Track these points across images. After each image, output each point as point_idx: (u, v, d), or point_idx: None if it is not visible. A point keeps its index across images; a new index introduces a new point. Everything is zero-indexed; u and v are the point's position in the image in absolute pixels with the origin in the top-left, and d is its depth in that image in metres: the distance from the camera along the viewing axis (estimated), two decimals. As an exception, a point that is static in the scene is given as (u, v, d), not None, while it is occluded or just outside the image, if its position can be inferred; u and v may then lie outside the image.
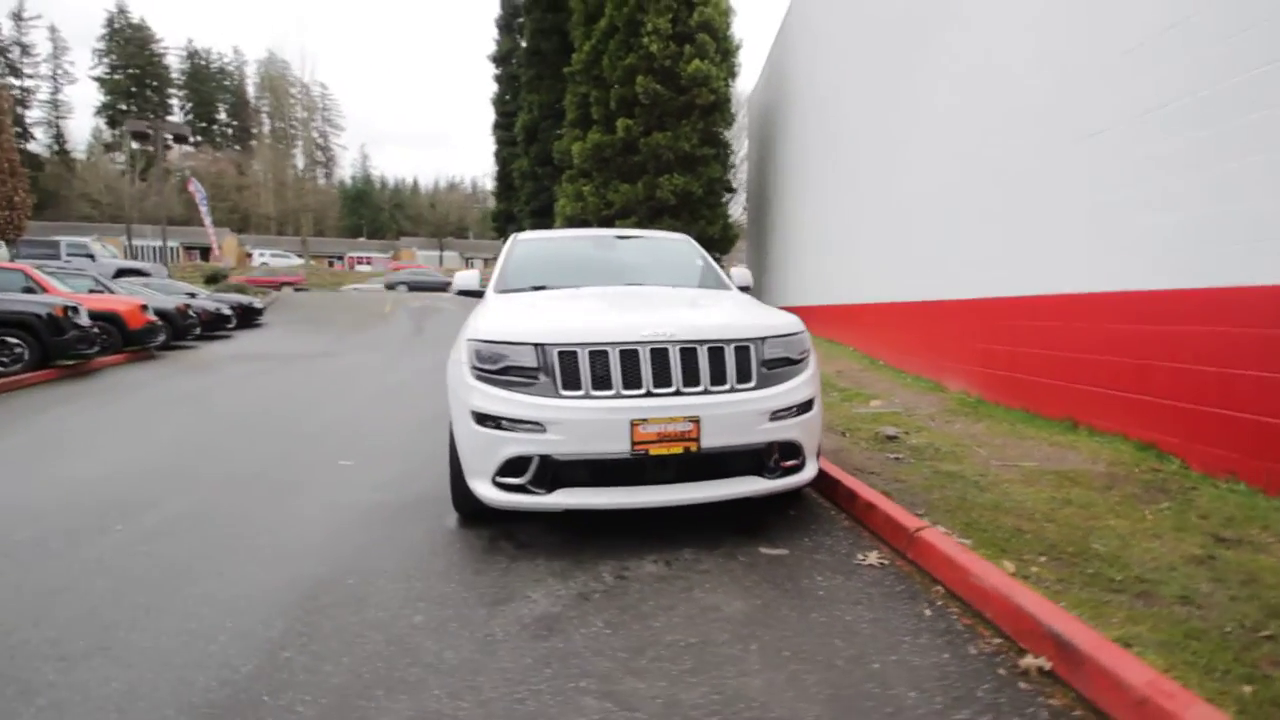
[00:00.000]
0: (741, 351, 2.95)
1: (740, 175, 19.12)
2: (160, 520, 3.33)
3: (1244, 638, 1.98)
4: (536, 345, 2.84)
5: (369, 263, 53.71)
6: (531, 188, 18.46)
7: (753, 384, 2.93)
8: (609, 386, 2.78)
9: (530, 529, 3.16)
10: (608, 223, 14.67)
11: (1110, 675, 1.72)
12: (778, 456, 2.98)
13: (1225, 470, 3.22)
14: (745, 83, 15.93)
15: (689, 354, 2.86)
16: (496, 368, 2.89)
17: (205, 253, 34.47)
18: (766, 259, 15.43)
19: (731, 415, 2.82)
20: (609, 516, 3.13)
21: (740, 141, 19.52)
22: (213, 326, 14.55)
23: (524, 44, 22.88)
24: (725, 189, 15.39)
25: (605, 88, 14.59)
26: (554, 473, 2.77)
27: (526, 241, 4.60)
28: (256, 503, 3.63)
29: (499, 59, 22.75)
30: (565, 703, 1.82)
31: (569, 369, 2.79)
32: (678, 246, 4.70)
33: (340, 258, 58.18)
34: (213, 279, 20.06)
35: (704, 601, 2.42)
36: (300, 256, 43.53)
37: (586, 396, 2.75)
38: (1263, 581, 2.33)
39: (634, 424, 2.71)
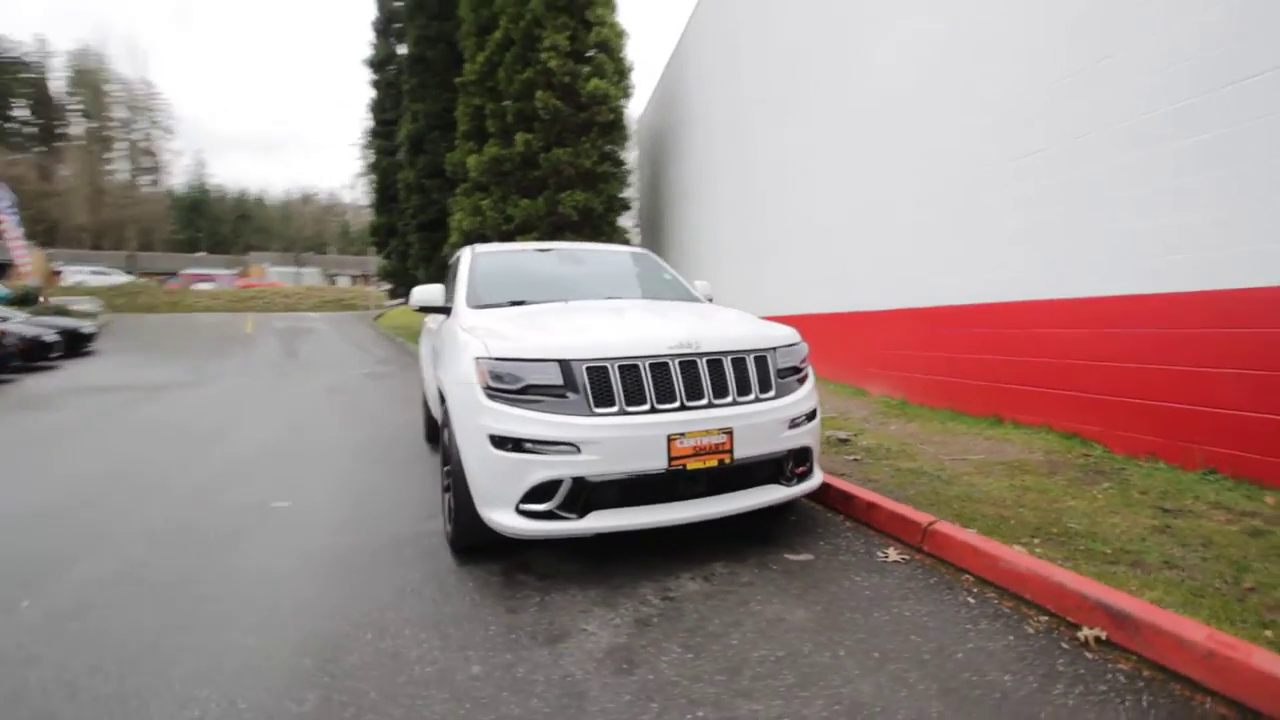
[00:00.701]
0: (760, 362, 2.99)
1: (630, 193, 19.51)
2: (80, 588, 2.73)
3: (1234, 592, 2.31)
4: (561, 361, 2.69)
5: (211, 280, 48.08)
6: (419, 200, 17.54)
7: (773, 393, 2.97)
8: (642, 401, 2.69)
9: (543, 558, 2.96)
10: (508, 238, 14.33)
11: (1171, 636, 1.93)
12: (793, 464, 3.05)
13: (1145, 451, 3.76)
14: (635, 104, 16.30)
15: (715, 365, 2.85)
16: (516, 387, 2.69)
17: (2, 269, 28.96)
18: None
19: (759, 425, 2.84)
20: (616, 537, 3.01)
21: (631, 160, 19.93)
22: (33, 356, 12.27)
23: (402, 50, 21.86)
24: (623, 206, 15.60)
25: (502, 100, 14.27)
26: (587, 495, 2.63)
27: (488, 255, 4.37)
28: (196, 558, 3.08)
29: (376, 64, 21.48)
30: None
31: (600, 385, 2.66)
32: (643, 261, 4.68)
33: (174, 274, 51.59)
34: (24, 300, 16.90)
35: (765, 614, 2.39)
36: (129, 273, 38.04)
37: (621, 413, 2.64)
38: (1217, 543, 2.73)
39: (671, 439, 2.65)
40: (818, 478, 3.19)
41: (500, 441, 2.64)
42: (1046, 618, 2.29)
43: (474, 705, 1.87)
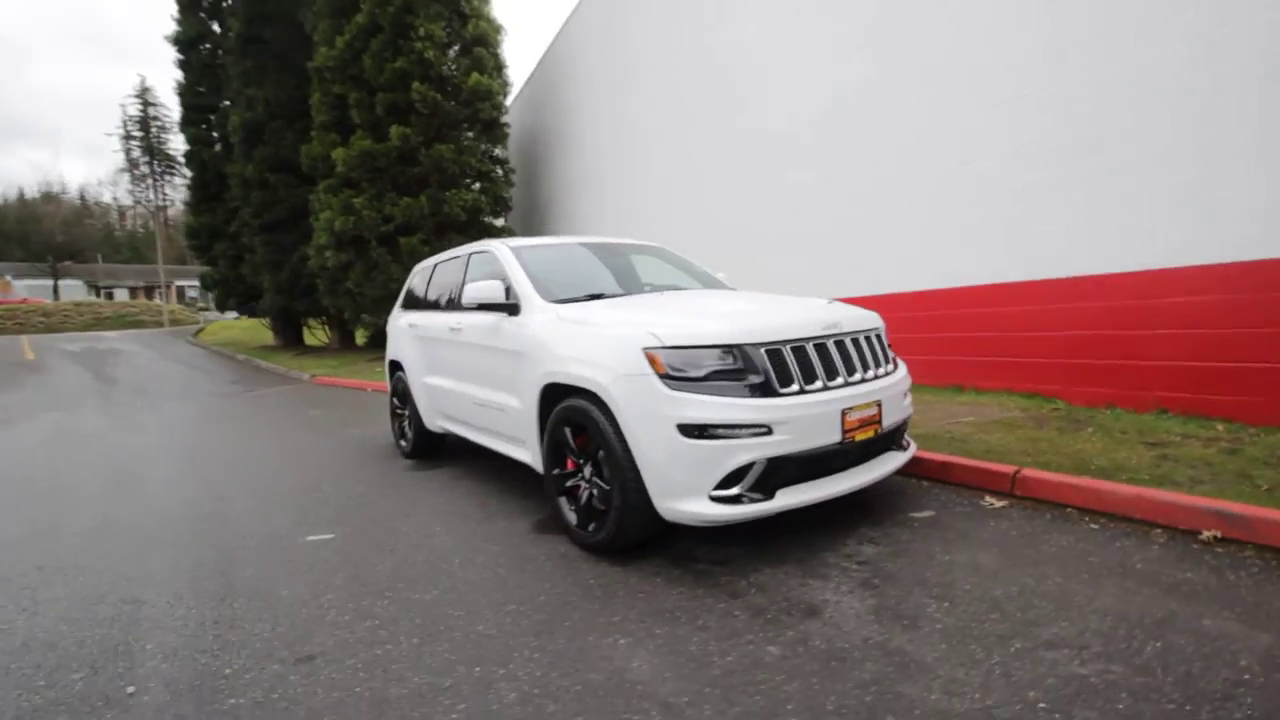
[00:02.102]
0: (880, 338, 3.25)
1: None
2: None
3: (1258, 491, 3.01)
4: (737, 346, 2.71)
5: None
6: (261, 197, 15.30)
7: (893, 366, 3.24)
8: (815, 379, 2.80)
9: (696, 548, 2.93)
10: (389, 239, 13.22)
11: (1273, 523, 2.51)
12: (904, 431, 3.35)
13: (1104, 401, 4.65)
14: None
15: (855, 343, 3.05)
16: (699, 374, 2.66)
17: None
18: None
19: (894, 396, 3.09)
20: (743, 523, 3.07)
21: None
22: None
23: (220, 28, 18.97)
24: (505, 206, 15.14)
25: (370, 90, 13.12)
26: (775, 475, 2.68)
27: (533, 250, 4.12)
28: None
29: (185, 43, 18.21)
30: (1034, 665, 1.88)
31: (780, 366, 2.72)
32: (666, 253, 4.71)
33: None
34: None
35: (960, 561, 2.63)
36: None
37: (802, 392, 2.73)
38: (1212, 463, 3.50)
39: (844, 413, 2.79)
40: (913, 444, 3.52)
41: (691, 430, 2.59)
42: (1162, 530, 2.82)
43: (833, 695, 1.88)
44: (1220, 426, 4.01)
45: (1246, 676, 1.77)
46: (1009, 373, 5.30)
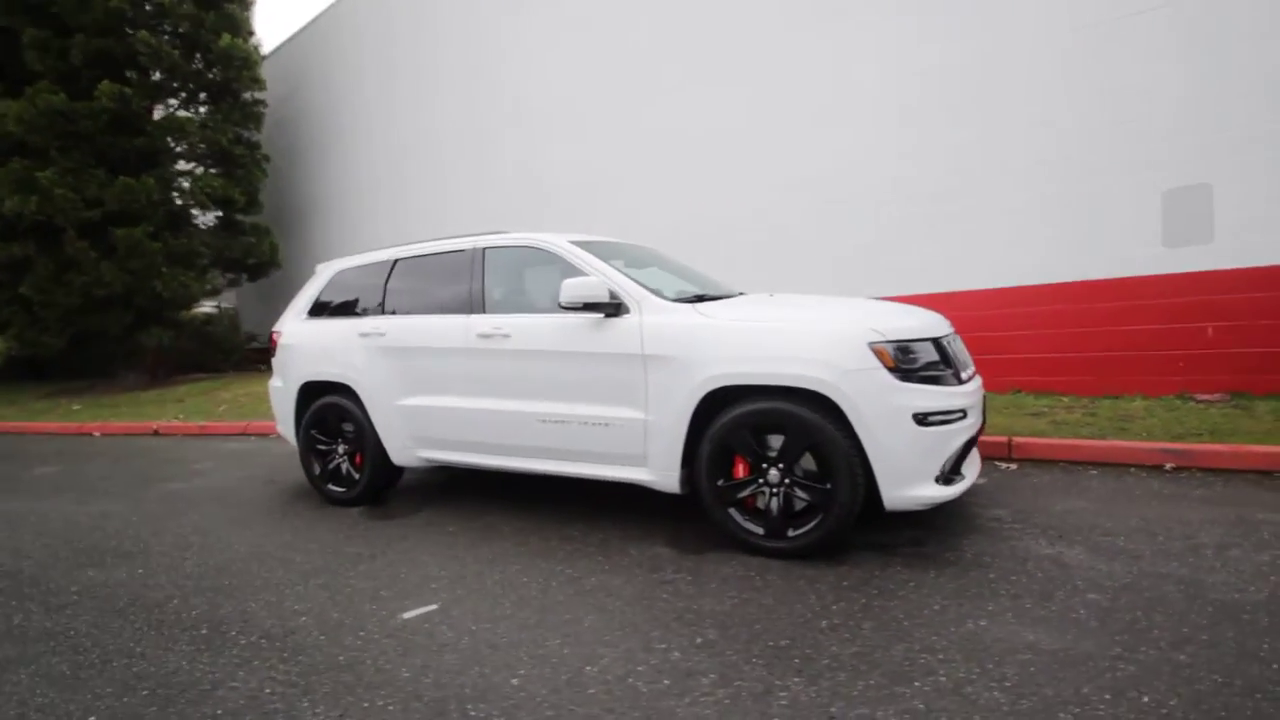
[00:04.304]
0: (950, 336, 3.77)
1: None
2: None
3: (1158, 434, 4.32)
4: (934, 339, 2.91)
5: None
6: None
7: (962, 361, 3.79)
8: (966, 369, 3.14)
9: (865, 536, 3.03)
10: (95, 229, 9.74)
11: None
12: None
13: (1221, 388, 5.76)
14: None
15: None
16: (917, 366, 2.78)
17: None
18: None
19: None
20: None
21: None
22: None
23: None
24: (257, 202, 12.47)
25: (63, 30, 9.59)
26: (964, 455, 2.94)
27: (590, 245, 3.66)
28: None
29: None
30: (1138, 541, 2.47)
31: (948, 359, 2.99)
32: (665, 255, 4.59)
33: None
34: None
35: (1056, 508, 3.23)
36: None
37: (962, 382, 3.04)
38: (1089, 422, 4.85)
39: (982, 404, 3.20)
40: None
41: (922, 418, 2.71)
42: (1136, 467, 3.87)
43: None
44: (1066, 399, 5.60)
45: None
46: (993, 370, 6.47)
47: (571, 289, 3.15)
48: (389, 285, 4.12)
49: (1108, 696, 1.79)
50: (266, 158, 12.21)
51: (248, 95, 11.35)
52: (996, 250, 5.90)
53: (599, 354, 3.22)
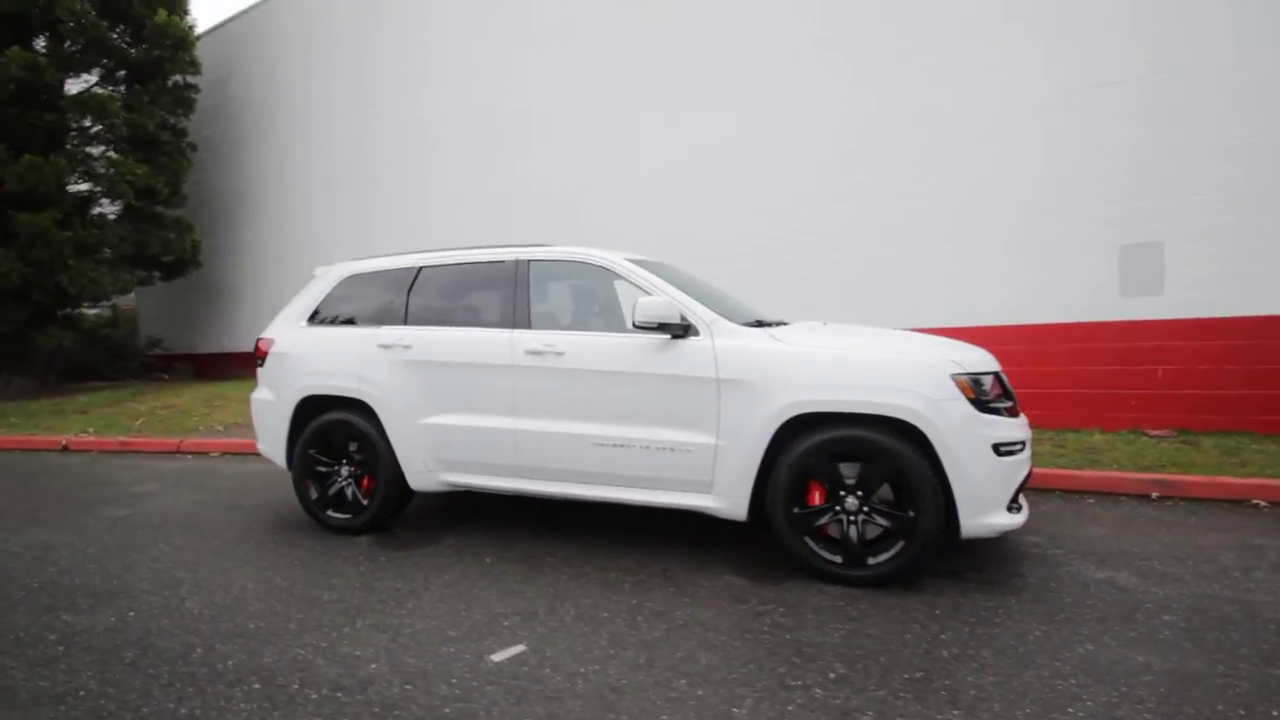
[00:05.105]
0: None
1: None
2: None
3: (1142, 464, 4.72)
4: (997, 374, 3.04)
5: None
6: None
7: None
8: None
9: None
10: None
11: None
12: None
13: (1168, 425, 6.10)
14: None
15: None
16: (989, 398, 2.90)
17: None
18: (234, 286, 12.20)
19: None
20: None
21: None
22: None
23: None
24: (180, 195, 11.36)
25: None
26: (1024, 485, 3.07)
27: (650, 265, 3.57)
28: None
29: None
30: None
31: (1008, 393, 3.14)
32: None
33: None
34: None
35: (1079, 534, 3.45)
36: None
37: (1019, 414, 3.20)
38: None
39: (1025, 433, 3.37)
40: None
41: (999, 448, 2.82)
42: (1124, 496, 4.20)
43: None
44: (1033, 432, 6.02)
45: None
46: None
47: (647, 308, 3.06)
48: (412, 294, 3.84)
49: (1242, 713, 1.90)
50: (193, 146, 11.18)
51: (179, 78, 10.37)
52: (958, 290, 6.31)
53: (667, 376, 3.14)
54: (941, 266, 6.38)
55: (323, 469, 3.85)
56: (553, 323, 3.57)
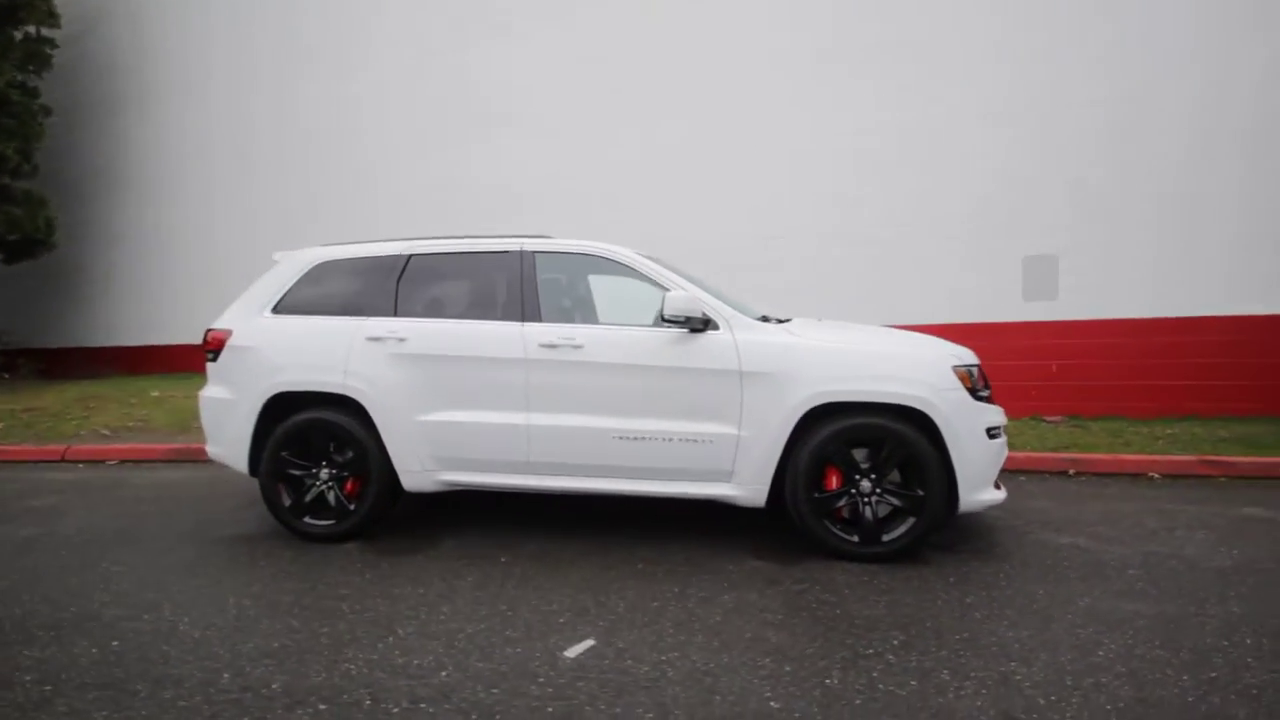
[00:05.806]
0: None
1: None
2: None
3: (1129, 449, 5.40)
4: (978, 366, 3.39)
5: None
6: None
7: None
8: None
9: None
10: None
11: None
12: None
13: (1061, 412, 6.66)
14: None
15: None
16: (979, 388, 3.23)
17: None
18: (94, 272, 10.64)
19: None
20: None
21: None
22: None
23: None
24: (32, 165, 9.75)
25: None
26: (999, 466, 3.45)
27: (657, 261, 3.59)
28: None
29: None
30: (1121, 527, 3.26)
31: (987, 383, 3.50)
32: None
33: None
34: None
35: (1077, 515, 3.93)
36: None
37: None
38: (1075, 442, 5.88)
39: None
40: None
41: (990, 433, 3.16)
42: (1121, 475, 4.81)
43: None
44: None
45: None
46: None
47: (677, 303, 3.11)
48: (402, 283, 3.61)
49: (1225, 643, 2.29)
50: (47, 110, 9.63)
51: (32, 28, 8.89)
52: (892, 292, 6.91)
53: (691, 369, 3.21)
54: (888, 269, 6.92)
55: (297, 472, 3.53)
56: (563, 315, 3.52)
